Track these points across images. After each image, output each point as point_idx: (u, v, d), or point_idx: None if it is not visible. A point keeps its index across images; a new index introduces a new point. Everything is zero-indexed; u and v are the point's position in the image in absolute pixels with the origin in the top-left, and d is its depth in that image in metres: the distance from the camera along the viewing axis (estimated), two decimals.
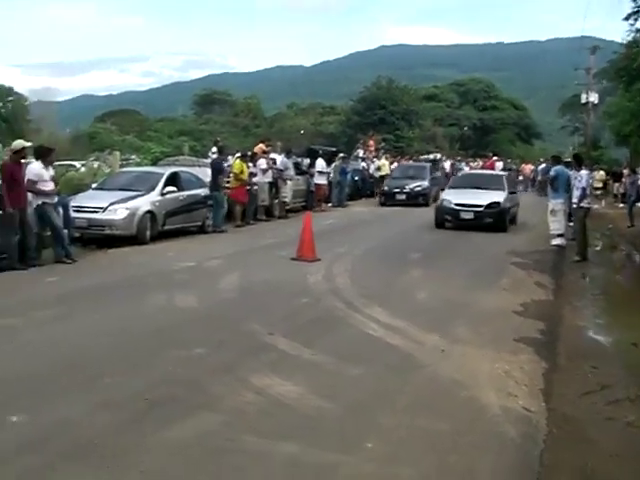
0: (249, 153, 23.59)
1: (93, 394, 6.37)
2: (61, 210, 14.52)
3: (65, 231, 14.31)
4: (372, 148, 49.09)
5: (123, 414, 5.93)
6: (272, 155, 25.18)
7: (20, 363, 7.33)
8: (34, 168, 13.91)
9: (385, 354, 8.02)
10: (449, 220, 21.77)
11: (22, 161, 13.94)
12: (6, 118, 59.26)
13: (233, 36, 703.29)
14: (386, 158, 41.63)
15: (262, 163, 23.06)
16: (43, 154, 14.23)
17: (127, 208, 16.77)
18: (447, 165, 47.97)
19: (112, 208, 16.62)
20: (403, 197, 31.18)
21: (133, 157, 34.13)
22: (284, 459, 5.19)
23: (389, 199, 31.28)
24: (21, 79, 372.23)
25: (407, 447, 5.50)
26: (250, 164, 22.31)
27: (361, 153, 45.33)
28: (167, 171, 19.46)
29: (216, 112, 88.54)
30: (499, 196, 21.79)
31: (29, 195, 13.63)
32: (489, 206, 21.32)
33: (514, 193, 23.91)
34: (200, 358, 7.68)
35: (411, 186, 31.57)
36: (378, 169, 37.69)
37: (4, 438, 5.38)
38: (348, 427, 5.84)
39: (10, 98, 63.46)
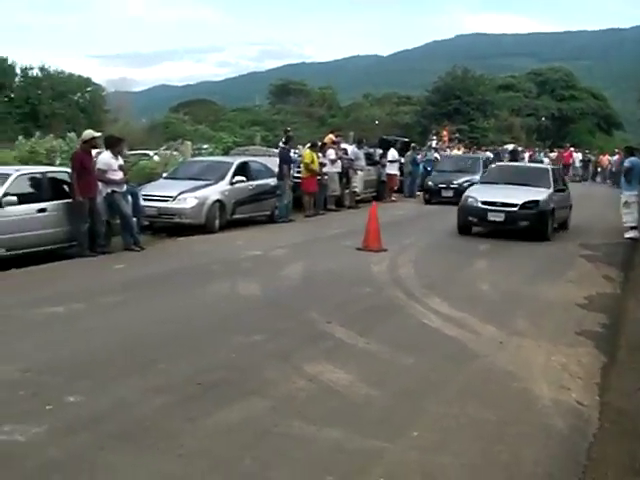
0: (319, 143, 23.60)
1: (148, 378, 6.52)
2: (130, 198, 14.77)
3: (134, 219, 14.59)
4: (446, 138, 48.83)
5: (176, 398, 6.07)
6: (343, 145, 25.12)
7: (83, 347, 7.53)
8: (103, 157, 14.20)
9: (440, 344, 8.02)
10: (474, 223, 18.03)
11: (93, 151, 14.28)
12: (84, 108, 60.60)
13: (309, 25, 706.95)
14: (458, 149, 41.31)
15: (331, 153, 23.03)
16: (112, 144, 14.54)
17: (196, 197, 16.99)
18: (526, 156, 47.35)
19: (181, 197, 16.87)
20: (450, 194, 25.95)
21: (205, 146, 34.55)
22: (328, 444, 5.24)
23: (434, 196, 27.17)
24: (99, 70, 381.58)
25: (453, 436, 5.51)
26: (320, 154, 22.35)
27: (434, 143, 45.09)
28: (237, 161, 19.65)
29: (291, 102, 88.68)
30: (540, 194, 17.56)
31: (99, 184, 13.94)
32: (525, 206, 17.11)
33: (563, 191, 19.41)
34: (257, 345, 7.78)
35: (459, 181, 26.52)
36: None
37: (61, 417, 5.58)
38: (395, 415, 5.87)
39: (88, 89, 64.85)
